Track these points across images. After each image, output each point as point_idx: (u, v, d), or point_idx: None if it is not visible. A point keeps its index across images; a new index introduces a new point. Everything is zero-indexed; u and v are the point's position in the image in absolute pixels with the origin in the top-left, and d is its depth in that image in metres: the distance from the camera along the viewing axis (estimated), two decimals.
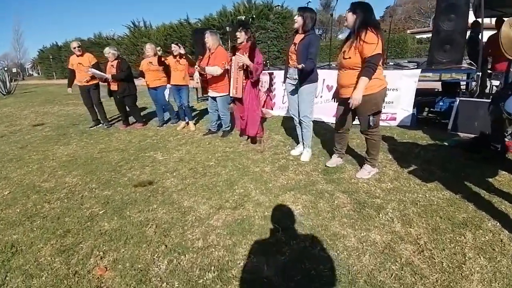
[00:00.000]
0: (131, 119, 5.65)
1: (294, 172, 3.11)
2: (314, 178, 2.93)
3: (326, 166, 3.15)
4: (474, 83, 4.63)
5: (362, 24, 2.50)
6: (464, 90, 5.50)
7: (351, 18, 2.57)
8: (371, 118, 2.65)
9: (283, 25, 14.60)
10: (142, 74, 5.24)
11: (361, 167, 3.03)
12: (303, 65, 2.86)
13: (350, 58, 2.55)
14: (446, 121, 4.45)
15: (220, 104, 4.31)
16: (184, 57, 4.67)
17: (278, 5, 10.41)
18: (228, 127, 4.52)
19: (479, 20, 5.24)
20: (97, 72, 5.08)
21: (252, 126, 3.73)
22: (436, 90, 6.14)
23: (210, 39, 4.01)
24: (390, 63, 5.75)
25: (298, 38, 3.05)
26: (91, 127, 5.62)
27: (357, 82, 2.52)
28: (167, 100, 5.18)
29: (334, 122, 3.12)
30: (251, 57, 3.46)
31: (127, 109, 5.48)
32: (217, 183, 2.94)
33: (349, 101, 2.55)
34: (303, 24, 3.00)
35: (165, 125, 5.49)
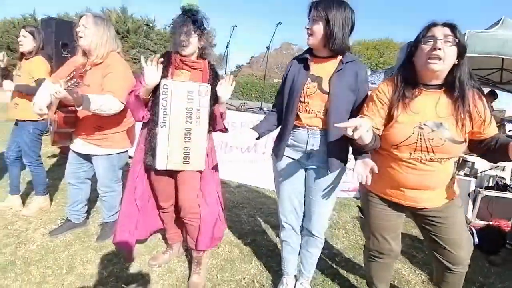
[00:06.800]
0: None
1: None
2: None
3: None
4: None
5: (465, 67, 1.17)
6: None
7: (452, 52, 1.13)
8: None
9: (166, 48, 12.58)
10: None
11: None
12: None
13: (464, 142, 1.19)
14: None
15: (102, 171, 1.96)
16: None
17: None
18: (114, 215, 2.11)
19: None
20: None
21: (208, 231, 1.65)
22: None
23: (93, 30, 1.72)
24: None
25: (324, 66, 1.38)
26: None
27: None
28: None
29: (369, 242, 1.47)
30: (214, 87, 1.57)
31: None
32: None
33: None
34: (330, 36, 1.30)
35: None
